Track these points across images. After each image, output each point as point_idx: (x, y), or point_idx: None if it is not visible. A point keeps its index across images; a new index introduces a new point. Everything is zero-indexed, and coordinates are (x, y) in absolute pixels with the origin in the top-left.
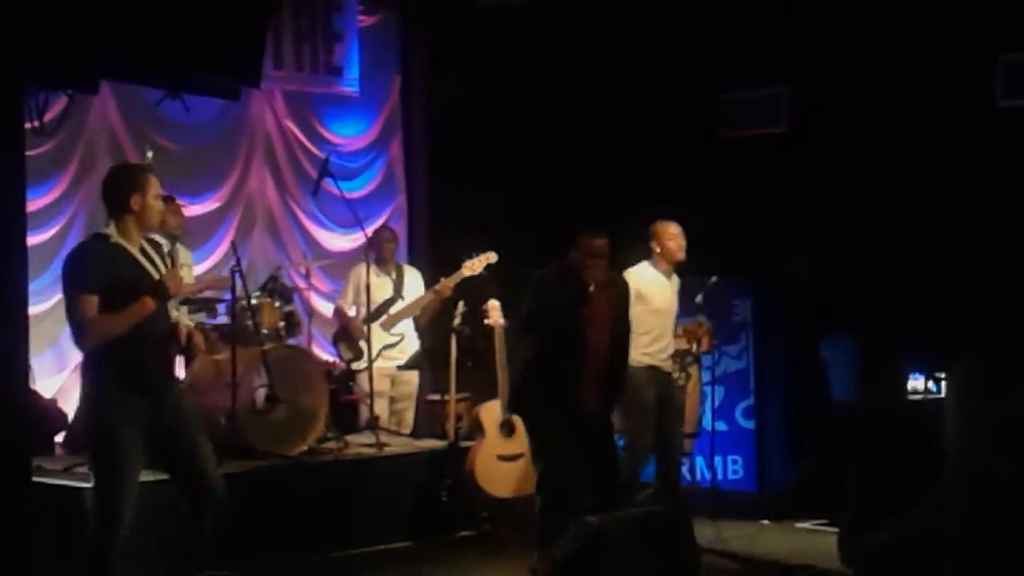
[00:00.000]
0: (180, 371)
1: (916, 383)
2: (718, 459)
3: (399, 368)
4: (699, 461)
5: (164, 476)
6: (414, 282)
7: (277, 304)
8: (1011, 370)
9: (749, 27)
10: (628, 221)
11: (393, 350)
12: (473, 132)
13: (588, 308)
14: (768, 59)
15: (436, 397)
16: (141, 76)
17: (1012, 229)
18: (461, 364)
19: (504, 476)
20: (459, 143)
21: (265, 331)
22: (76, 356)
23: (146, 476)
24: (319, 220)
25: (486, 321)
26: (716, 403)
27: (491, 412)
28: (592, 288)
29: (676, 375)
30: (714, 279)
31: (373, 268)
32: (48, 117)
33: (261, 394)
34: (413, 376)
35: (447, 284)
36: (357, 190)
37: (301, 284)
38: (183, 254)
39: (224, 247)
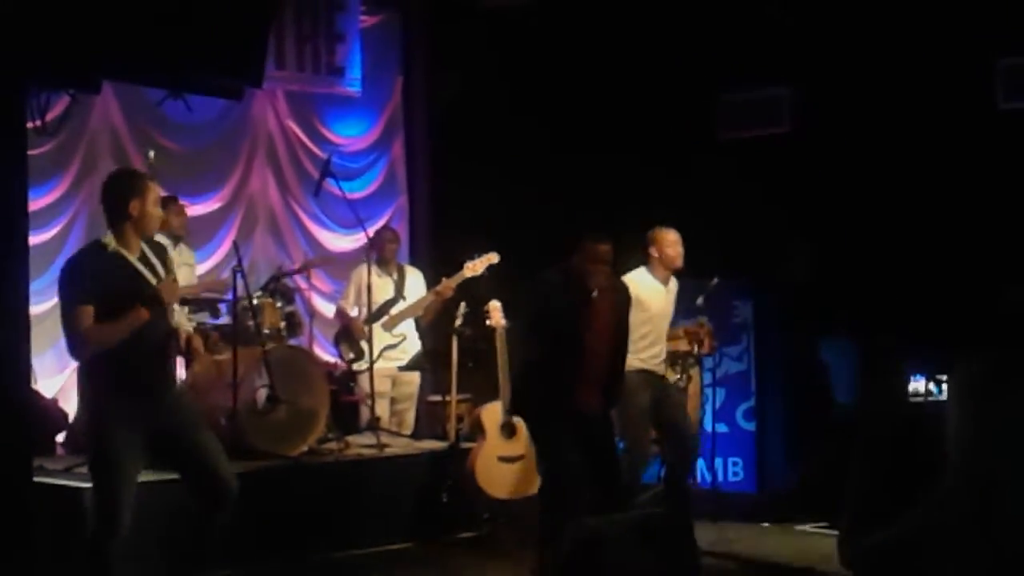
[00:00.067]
0: (181, 372)
1: (917, 385)
2: (719, 461)
3: (400, 369)
4: (700, 463)
5: (171, 476)
6: (415, 283)
7: (278, 304)
8: (1012, 372)
9: (749, 27)
10: (628, 222)
11: (394, 351)
12: (475, 133)
13: (590, 313)
14: (769, 60)
15: (437, 398)
16: (143, 76)
17: (1012, 231)
18: (462, 365)
19: (505, 477)
20: (461, 144)
21: (266, 331)
22: None
23: (147, 476)
24: (321, 220)
25: (487, 322)
26: (717, 405)
27: (492, 413)
28: (595, 293)
29: (675, 377)
30: (715, 281)
31: (375, 269)
32: (50, 117)
33: (262, 394)
34: (414, 377)
35: (449, 285)
36: (359, 190)
37: (302, 284)
38: (186, 254)
39: (226, 247)
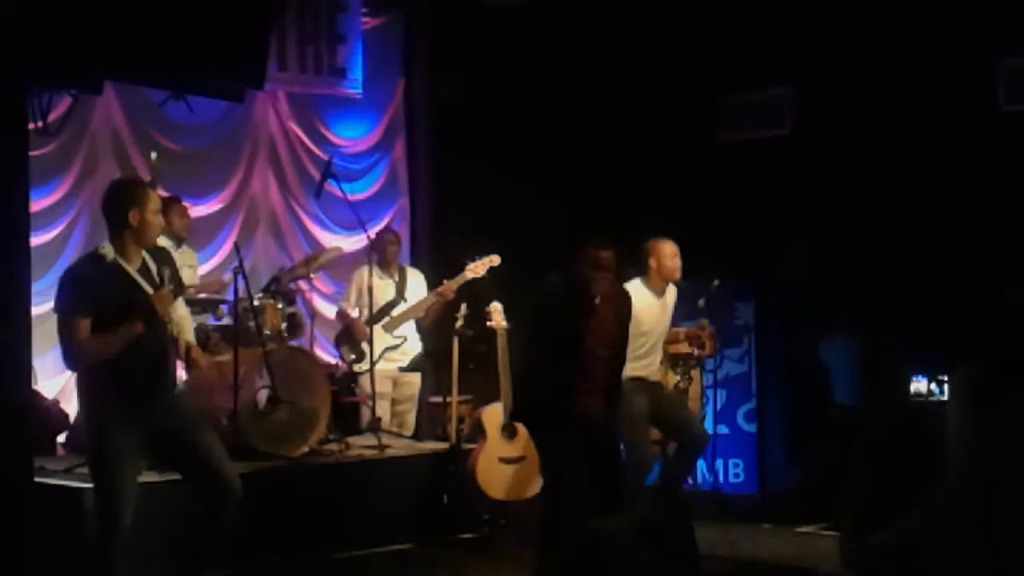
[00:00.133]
0: (182, 373)
1: (918, 385)
2: (719, 462)
3: (401, 370)
4: (700, 464)
5: (172, 476)
6: (417, 284)
7: (280, 305)
8: (1012, 374)
9: (750, 28)
10: (629, 223)
11: (395, 352)
12: (476, 134)
13: (593, 320)
14: (769, 60)
15: (438, 399)
16: (145, 77)
17: (1014, 232)
18: (463, 366)
19: (505, 478)
20: (462, 145)
21: (268, 332)
22: None
23: (148, 476)
24: (322, 222)
25: (488, 323)
26: (718, 406)
27: (493, 414)
28: (597, 300)
29: (676, 379)
30: (716, 283)
31: (376, 270)
32: (52, 117)
33: (263, 395)
34: (415, 378)
35: (450, 286)
36: (360, 192)
37: (303, 286)
38: (188, 256)
39: (227, 248)
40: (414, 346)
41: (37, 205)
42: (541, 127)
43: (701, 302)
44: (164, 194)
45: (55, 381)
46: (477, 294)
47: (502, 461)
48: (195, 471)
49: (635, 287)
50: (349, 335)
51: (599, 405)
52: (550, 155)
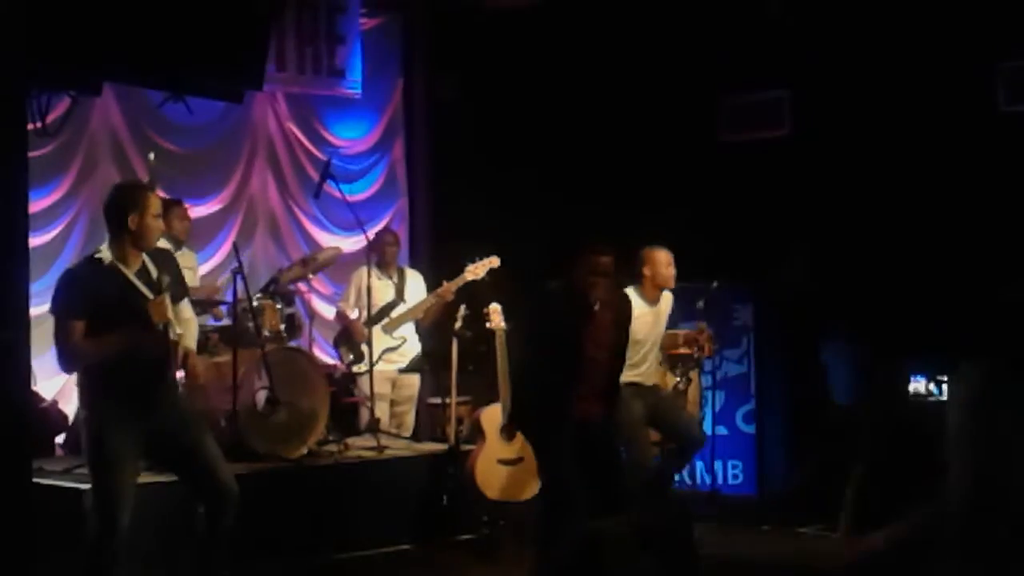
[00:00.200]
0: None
1: (917, 385)
2: (718, 464)
3: (400, 371)
4: (699, 465)
5: (171, 477)
6: (416, 285)
7: (278, 306)
8: (1012, 375)
9: (750, 30)
10: (629, 224)
11: (394, 353)
12: (475, 135)
13: (592, 325)
14: (769, 62)
15: (437, 400)
16: (144, 78)
17: (1014, 234)
18: (462, 367)
19: (504, 480)
20: (461, 146)
21: (266, 333)
22: None
23: (147, 477)
24: (321, 222)
25: (488, 325)
26: (717, 408)
27: (492, 416)
28: (596, 306)
29: (675, 380)
30: (715, 284)
31: (375, 271)
32: (51, 118)
33: (262, 396)
34: (414, 379)
35: (449, 288)
36: (359, 193)
37: (302, 287)
38: (188, 258)
39: (226, 249)
40: (413, 347)
41: (36, 206)
42: (540, 127)
43: (700, 303)
44: (165, 196)
45: (54, 382)
46: (476, 295)
47: (501, 462)
48: (192, 473)
49: (629, 296)
50: (348, 336)
51: (598, 409)
52: (549, 155)
